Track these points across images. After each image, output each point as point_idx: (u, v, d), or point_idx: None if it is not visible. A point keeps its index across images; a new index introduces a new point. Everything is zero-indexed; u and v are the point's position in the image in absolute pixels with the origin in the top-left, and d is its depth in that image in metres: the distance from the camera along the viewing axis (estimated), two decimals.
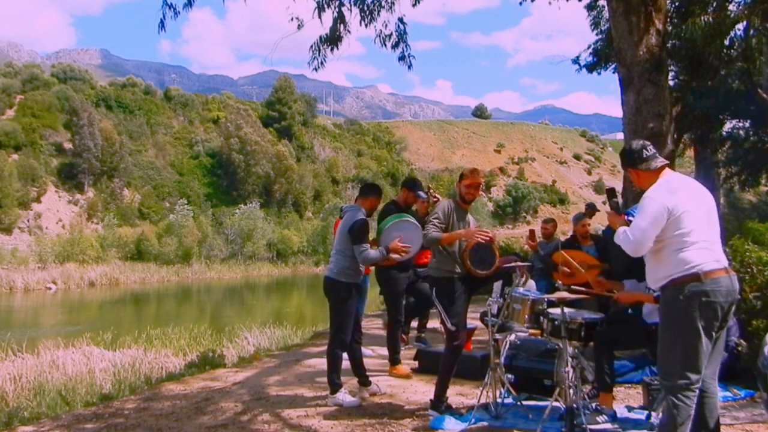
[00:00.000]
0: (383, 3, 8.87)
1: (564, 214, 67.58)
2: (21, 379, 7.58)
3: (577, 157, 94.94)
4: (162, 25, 8.08)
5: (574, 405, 3.80)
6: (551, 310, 4.08)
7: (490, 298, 4.67)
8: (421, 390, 5.15)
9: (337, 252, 4.97)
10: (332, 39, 8.89)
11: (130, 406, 5.10)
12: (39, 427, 4.70)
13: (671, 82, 10.64)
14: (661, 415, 3.24)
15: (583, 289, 4.25)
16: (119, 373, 7.56)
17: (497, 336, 4.65)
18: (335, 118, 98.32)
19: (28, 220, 44.46)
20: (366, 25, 8.87)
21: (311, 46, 8.96)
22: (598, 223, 12.63)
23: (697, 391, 3.04)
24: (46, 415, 5.40)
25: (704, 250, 3.07)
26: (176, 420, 4.58)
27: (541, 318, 4.14)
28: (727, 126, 18.21)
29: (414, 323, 7.13)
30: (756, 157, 17.64)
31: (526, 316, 4.23)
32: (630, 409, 4.46)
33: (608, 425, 4.01)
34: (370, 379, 5.09)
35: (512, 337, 4.92)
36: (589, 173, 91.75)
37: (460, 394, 4.93)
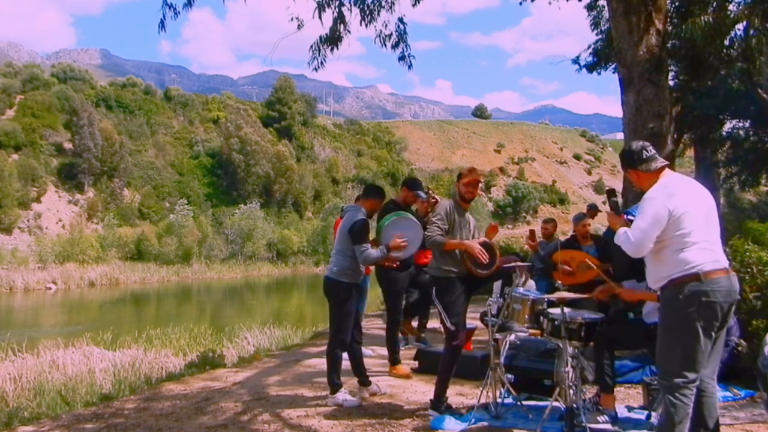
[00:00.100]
0: (383, 3, 8.88)
1: (564, 214, 67.59)
2: (21, 379, 7.58)
3: (577, 157, 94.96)
4: (162, 25, 8.10)
5: (574, 405, 3.81)
6: (551, 310, 4.08)
7: (490, 298, 4.67)
8: (421, 390, 5.15)
9: (338, 252, 4.97)
10: (332, 39, 8.89)
11: (130, 406, 5.10)
12: (39, 427, 4.69)
13: (671, 82, 10.62)
14: (660, 414, 3.24)
15: (584, 295, 4.24)
16: (119, 373, 7.56)
17: (497, 336, 4.65)
18: (335, 118, 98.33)
19: (28, 220, 44.45)
20: (366, 25, 8.88)
21: (311, 46, 8.97)
22: (599, 224, 12.63)
23: (695, 389, 3.05)
24: (46, 415, 5.40)
25: (704, 250, 3.07)
26: (176, 420, 4.58)
27: (541, 318, 4.14)
28: (727, 126, 18.24)
29: (414, 323, 7.12)
30: (756, 157, 17.66)
31: (526, 316, 4.23)
32: (630, 409, 4.46)
33: (608, 425, 4.01)
34: (370, 379, 5.08)
35: (512, 337, 4.92)
36: (589, 173, 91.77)
37: (460, 394, 4.93)
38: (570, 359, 3.88)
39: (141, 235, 42.66)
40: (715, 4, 9.80)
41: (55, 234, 42.49)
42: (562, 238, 7.99)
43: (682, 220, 3.06)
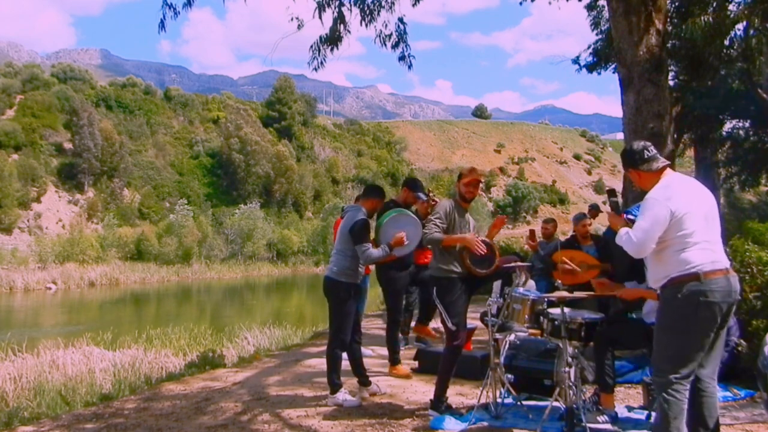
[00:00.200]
0: (383, 3, 8.88)
1: (564, 214, 67.59)
2: (21, 379, 7.57)
3: (577, 157, 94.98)
4: (162, 25, 8.10)
5: (574, 405, 3.80)
6: (551, 310, 4.08)
7: (490, 298, 4.66)
8: (421, 390, 5.15)
9: (338, 252, 4.97)
10: (332, 39, 8.90)
11: (130, 406, 5.10)
12: (39, 427, 4.69)
13: (671, 82, 10.65)
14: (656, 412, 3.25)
15: (585, 294, 4.24)
16: (119, 373, 7.56)
17: (497, 336, 4.65)
18: (335, 118, 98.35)
19: (28, 220, 44.45)
20: (366, 25, 8.88)
21: (311, 46, 8.97)
22: (599, 224, 12.63)
23: (688, 385, 3.06)
24: (46, 415, 5.40)
25: (705, 250, 3.07)
26: (176, 420, 4.58)
27: (541, 318, 4.13)
28: (727, 126, 18.22)
29: (413, 323, 7.12)
30: (756, 157, 17.64)
31: (526, 316, 4.23)
32: (630, 409, 4.46)
33: (608, 425, 4.01)
34: (370, 379, 5.08)
35: (512, 337, 4.92)
36: (589, 173, 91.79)
37: (460, 394, 4.93)
38: (570, 359, 3.88)
39: (141, 235, 42.66)
40: (715, 4, 9.81)
41: (55, 234, 42.49)
42: (562, 238, 7.99)
43: (684, 220, 3.06)
